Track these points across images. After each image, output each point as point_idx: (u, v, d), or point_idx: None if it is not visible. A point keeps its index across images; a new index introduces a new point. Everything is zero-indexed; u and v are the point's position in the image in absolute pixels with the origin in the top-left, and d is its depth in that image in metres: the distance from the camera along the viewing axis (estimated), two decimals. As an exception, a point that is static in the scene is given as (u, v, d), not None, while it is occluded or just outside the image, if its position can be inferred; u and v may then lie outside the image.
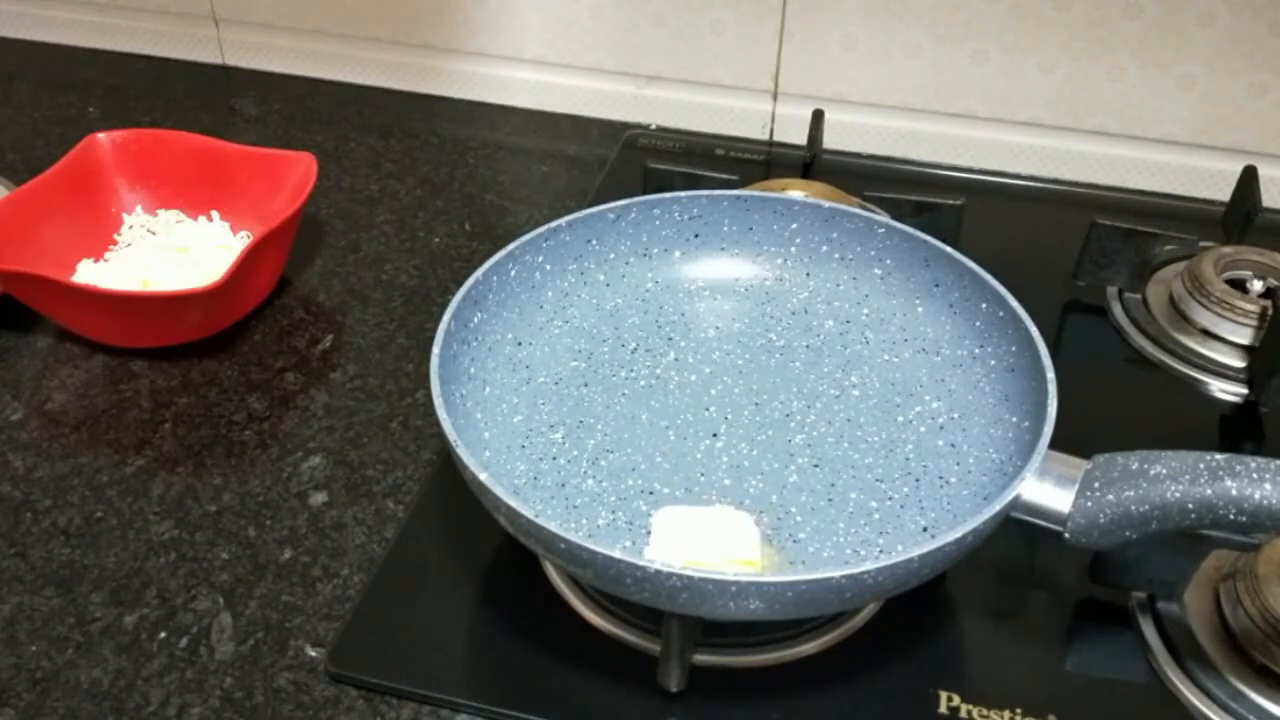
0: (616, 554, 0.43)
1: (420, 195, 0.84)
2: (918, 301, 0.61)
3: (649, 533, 0.51)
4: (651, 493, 0.53)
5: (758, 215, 0.64)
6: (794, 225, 0.64)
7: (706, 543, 0.50)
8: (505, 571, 0.55)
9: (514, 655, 0.51)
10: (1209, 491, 0.44)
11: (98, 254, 0.74)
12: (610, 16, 0.88)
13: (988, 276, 0.57)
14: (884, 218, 0.63)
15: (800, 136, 0.84)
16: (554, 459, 0.55)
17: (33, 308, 0.68)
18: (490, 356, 0.58)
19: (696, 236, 0.65)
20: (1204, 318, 0.70)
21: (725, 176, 0.75)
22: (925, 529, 0.52)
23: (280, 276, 0.73)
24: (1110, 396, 0.67)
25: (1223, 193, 0.80)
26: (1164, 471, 0.45)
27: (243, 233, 0.75)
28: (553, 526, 0.44)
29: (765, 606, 0.44)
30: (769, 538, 0.51)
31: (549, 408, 0.58)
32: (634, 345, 0.62)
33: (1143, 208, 0.83)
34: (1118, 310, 0.73)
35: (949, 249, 0.59)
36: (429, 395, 0.50)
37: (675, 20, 0.87)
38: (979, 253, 0.59)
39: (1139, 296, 0.73)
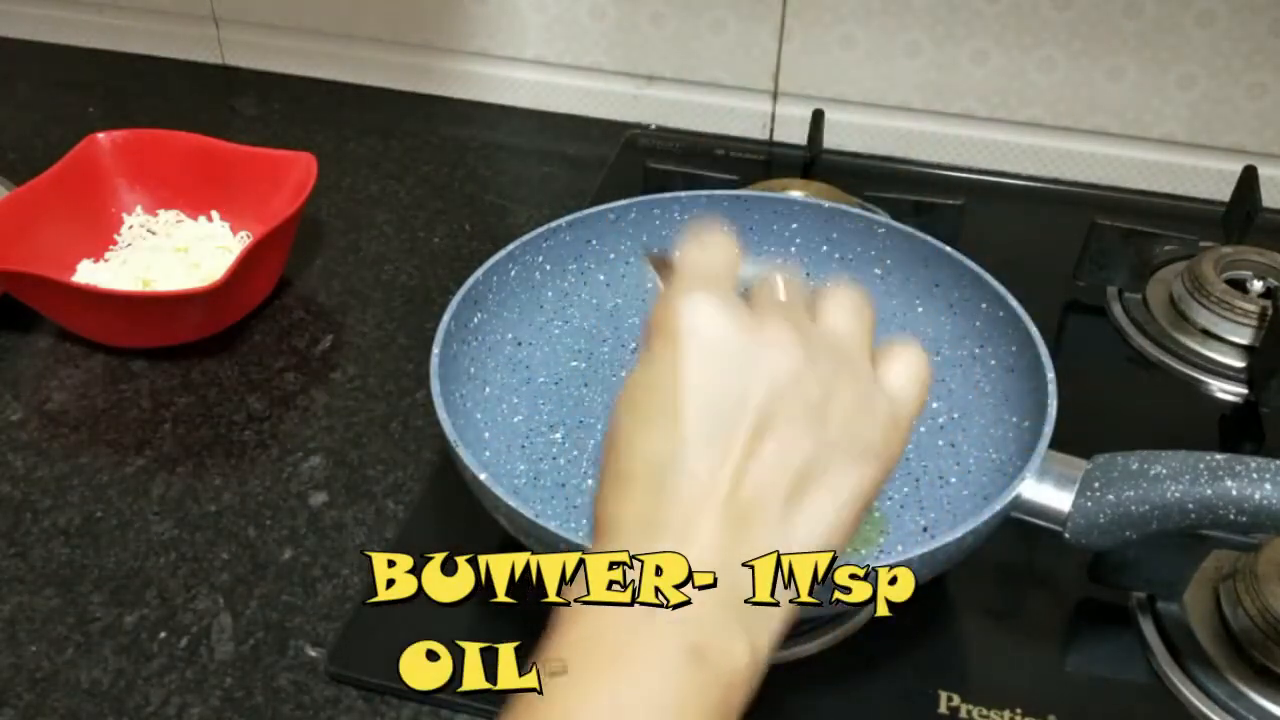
0: (616, 554, 0.43)
1: (420, 195, 0.84)
2: (918, 301, 0.61)
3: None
4: (651, 493, 0.53)
5: (758, 215, 0.64)
6: (794, 225, 0.64)
7: None
8: (505, 571, 0.55)
9: (514, 655, 0.51)
10: (1209, 491, 0.44)
11: (98, 254, 0.73)
12: (610, 16, 0.88)
13: (988, 276, 0.57)
14: (884, 218, 0.63)
15: (800, 136, 0.84)
16: (554, 459, 0.55)
17: (33, 308, 0.68)
18: (490, 356, 0.58)
19: (696, 236, 0.64)
20: (1204, 318, 0.69)
21: (725, 176, 0.75)
22: (925, 529, 0.52)
23: (280, 276, 0.73)
24: (1110, 396, 0.66)
25: (1223, 193, 0.80)
26: (1164, 471, 0.45)
27: (243, 233, 0.75)
28: (553, 526, 0.44)
29: (765, 606, 0.44)
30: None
31: (549, 408, 0.58)
32: (634, 345, 0.62)
33: (1143, 208, 0.83)
34: (1118, 310, 0.72)
35: (949, 249, 0.59)
36: (429, 395, 0.50)
37: (675, 20, 0.87)
38: (979, 253, 0.59)
39: (1139, 296, 0.73)
